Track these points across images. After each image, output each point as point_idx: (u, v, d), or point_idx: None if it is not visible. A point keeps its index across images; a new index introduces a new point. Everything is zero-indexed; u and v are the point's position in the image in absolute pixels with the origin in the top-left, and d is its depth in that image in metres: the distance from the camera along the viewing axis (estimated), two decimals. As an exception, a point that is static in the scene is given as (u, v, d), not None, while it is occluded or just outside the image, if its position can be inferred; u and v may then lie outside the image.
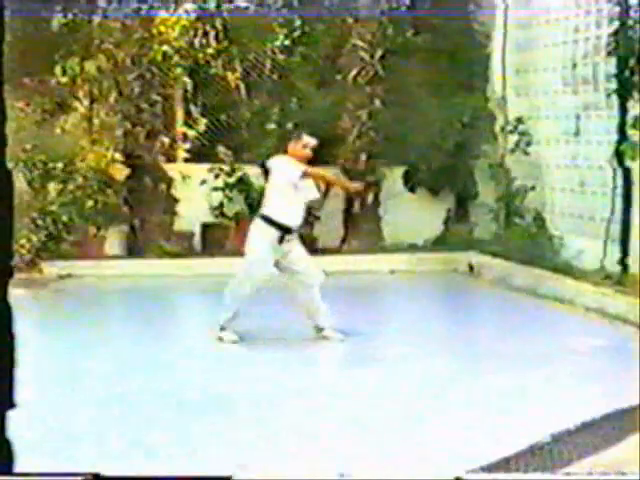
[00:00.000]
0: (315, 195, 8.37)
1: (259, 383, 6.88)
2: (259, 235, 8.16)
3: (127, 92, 12.63)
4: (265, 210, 8.21)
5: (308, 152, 8.19)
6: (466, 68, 13.20)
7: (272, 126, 12.96)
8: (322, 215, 12.43)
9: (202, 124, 13.20)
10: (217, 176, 12.69)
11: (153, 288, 11.31)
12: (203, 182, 12.64)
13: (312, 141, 8.26)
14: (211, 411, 6.20)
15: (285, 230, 8.07)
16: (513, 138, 12.15)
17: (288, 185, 8.01)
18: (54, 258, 11.95)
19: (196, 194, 12.72)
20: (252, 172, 12.84)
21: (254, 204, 12.81)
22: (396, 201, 13.03)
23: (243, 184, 12.78)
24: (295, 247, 8.21)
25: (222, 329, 8.16)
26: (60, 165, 12.24)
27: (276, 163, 8.26)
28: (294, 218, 8.12)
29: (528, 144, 11.95)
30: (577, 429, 5.46)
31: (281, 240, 8.06)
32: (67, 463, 5.00)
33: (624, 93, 9.91)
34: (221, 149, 12.85)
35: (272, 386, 6.79)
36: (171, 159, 13.09)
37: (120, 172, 12.50)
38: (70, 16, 12.63)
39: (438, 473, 4.87)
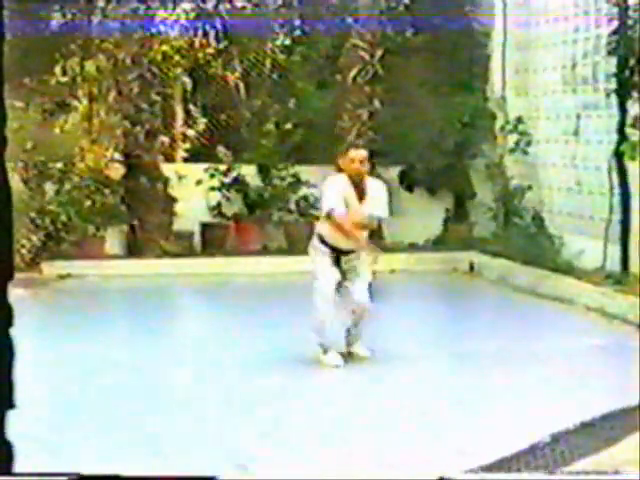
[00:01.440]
0: (382, 214, 7.54)
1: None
2: (315, 252, 7.51)
3: (127, 92, 12.62)
4: (318, 227, 7.64)
5: (357, 166, 7.36)
6: (466, 68, 13.21)
7: (271, 126, 12.97)
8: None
9: (201, 124, 13.21)
10: (212, 176, 12.70)
11: (153, 288, 11.31)
12: (199, 182, 12.65)
13: (359, 154, 7.45)
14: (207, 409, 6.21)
15: (338, 251, 7.43)
16: (513, 138, 12.16)
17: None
18: (54, 258, 11.94)
19: (195, 194, 12.72)
20: (248, 172, 12.85)
21: (253, 204, 12.86)
22: (395, 200, 13.01)
23: (240, 184, 12.79)
24: (357, 263, 7.48)
25: (324, 351, 7.41)
26: (59, 165, 12.24)
27: (327, 182, 7.57)
28: (347, 240, 7.39)
29: (528, 144, 11.96)
30: (577, 429, 5.46)
31: (337, 261, 7.42)
32: (67, 462, 5.00)
33: (624, 93, 9.91)
34: (220, 149, 12.86)
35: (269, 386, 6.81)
36: (170, 159, 13.10)
37: (117, 172, 12.49)
38: (69, 16, 12.64)
39: (436, 473, 4.87)
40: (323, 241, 7.46)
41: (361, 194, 7.40)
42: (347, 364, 7.40)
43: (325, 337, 7.36)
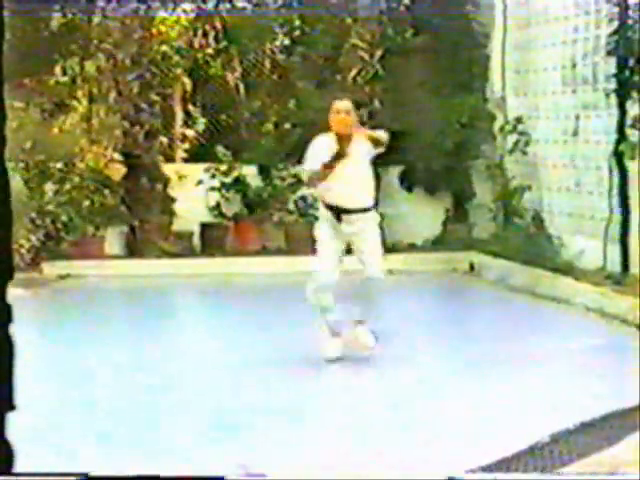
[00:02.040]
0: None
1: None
2: (320, 220, 7.41)
3: (126, 92, 12.62)
4: (317, 191, 7.51)
5: (342, 117, 7.11)
6: (465, 68, 13.20)
7: (271, 126, 12.97)
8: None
9: (201, 124, 13.21)
10: (213, 176, 12.70)
11: (153, 288, 11.31)
12: (199, 182, 12.64)
13: (342, 104, 7.19)
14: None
15: (338, 210, 7.19)
16: (512, 138, 12.15)
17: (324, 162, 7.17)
18: (54, 258, 11.94)
19: (195, 194, 12.72)
20: (248, 172, 12.86)
21: (252, 204, 12.86)
22: (395, 201, 13.03)
23: (240, 184, 12.79)
24: (363, 232, 7.21)
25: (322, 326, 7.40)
26: (59, 165, 12.25)
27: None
28: (343, 196, 7.15)
29: (527, 144, 11.95)
30: (577, 429, 5.46)
31: (338, 219, 7.19)
32: (66, 462, 5.00)
33: (623, 93, 9.91)
34: (220, 149, 12.86)
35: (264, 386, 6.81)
36: (170, 159, 13.10)
37: (118, 172, 12.50)
38: (69, 16, 12.64)
39: (436, 473, 4.87)
40: (324, 203, 7.30)
41: (349, 147, 7.09)
42: (348, 365, 7.40)
43: (324, 299, 7.27)
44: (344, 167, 7.09)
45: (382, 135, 7.27)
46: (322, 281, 7.25)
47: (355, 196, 7.22)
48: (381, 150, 7.34)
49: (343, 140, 7.13)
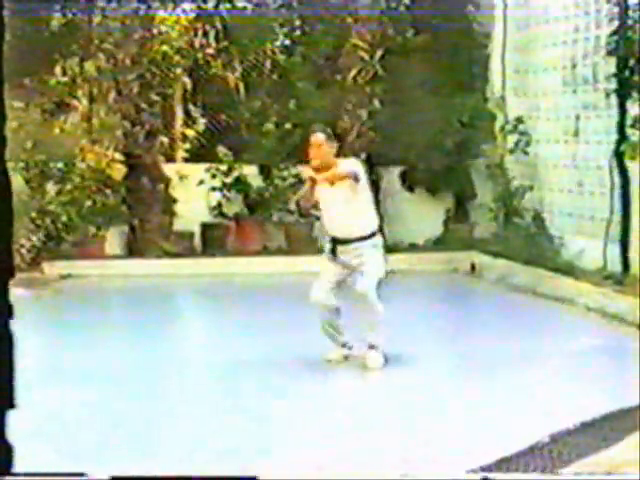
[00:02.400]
0: (354, 169, 7.09)
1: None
2: (325, 241, 7.40)
3: (126, 92, 12.63)
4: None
5: (313, 152, 7.15)
6: (466, 68, 13.22)
7: (271, 126, 12.97)
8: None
9: (201, 124, 13.21)
10: (214, 176, 12.71)
11: (154, 288, 11.31)
12: (201, 182, 12.65)
13: (313, 139, 7.18)
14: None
15: (333, 241, 7.18)
16: (512, 138, 12.16)
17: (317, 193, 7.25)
18: (55, 258, 11.95)
19: (195, 194, 12.73)
20: (249, 172, 12.87)
21: (253, 204, 12.87)
22: (396, 201, 13.04)
23: (241, 184, 12.80)
24: (359, 258, 7.09)
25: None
26: (59, 165, 12.26)
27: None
28: (334, 228, 7.17)
29: (527, 144, 11.96)
30: (577, 429, 5.46)
31: (333, 252, 7.17)
32: (65, 463, 5.00)
33: (623, 93, 9.91)
34: (221, 149, 12.87)
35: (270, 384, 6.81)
36: (170, 159, 13.10)
37: (118, 172, 12.50)
38: (69, 16, 12.66)
39: (437, 472, 4.88)
40: (326, 232, 7.33)
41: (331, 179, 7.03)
42: (347, 365, 7.39)
43: (332, 334, 7.32)
44: (331, 198, 7.07)
45: (346, 171, 7.06)
46: (312, 299, 7.19)
47: (346, 226, 7.10)
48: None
49: (319, 172, 7.05)
